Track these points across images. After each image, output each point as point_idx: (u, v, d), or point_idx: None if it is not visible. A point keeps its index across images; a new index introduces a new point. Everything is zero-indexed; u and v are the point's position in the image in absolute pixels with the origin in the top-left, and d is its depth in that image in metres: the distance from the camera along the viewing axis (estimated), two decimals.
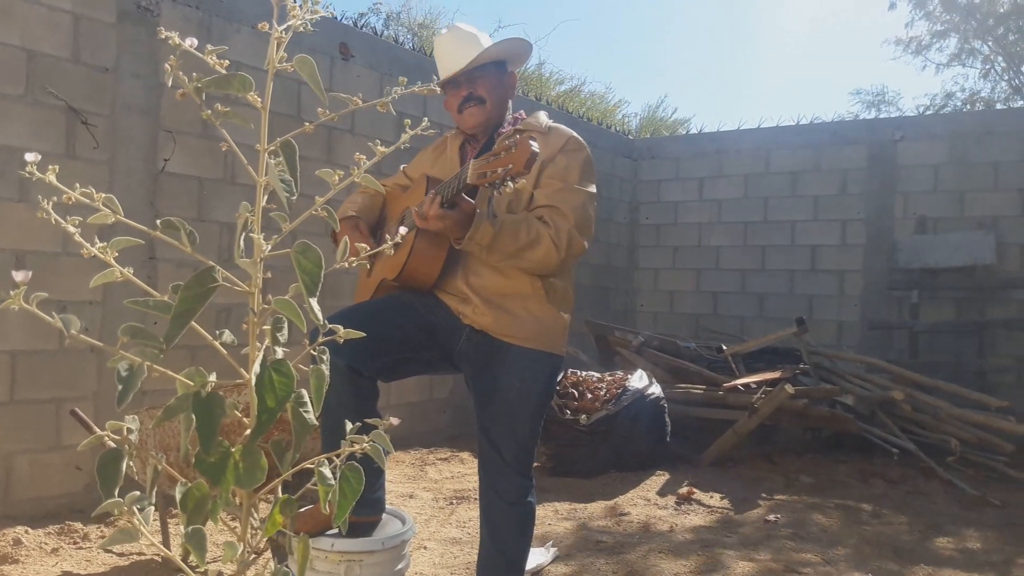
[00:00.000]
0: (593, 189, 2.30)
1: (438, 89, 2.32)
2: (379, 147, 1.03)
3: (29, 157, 0.95)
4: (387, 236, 1.07)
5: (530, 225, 2.13)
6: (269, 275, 0.99)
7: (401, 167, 2.63)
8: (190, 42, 0.93)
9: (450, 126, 2.57)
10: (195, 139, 4.14)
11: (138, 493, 0.96)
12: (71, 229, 0.96)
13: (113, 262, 0.97)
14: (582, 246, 2.21)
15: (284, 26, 0.94)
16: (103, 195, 0.98)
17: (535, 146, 1.85)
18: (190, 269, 3.99)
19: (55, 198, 0.97)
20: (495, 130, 2.40)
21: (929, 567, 3.33)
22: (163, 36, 0.94)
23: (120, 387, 0.91)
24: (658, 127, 9.25)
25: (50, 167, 0.98)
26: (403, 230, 1.09)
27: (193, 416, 0.91)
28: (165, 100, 4.00)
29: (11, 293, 0.90)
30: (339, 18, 5.17)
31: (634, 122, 9.20)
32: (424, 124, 1.08)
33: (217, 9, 4.22)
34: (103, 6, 3.76)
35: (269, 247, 0.98)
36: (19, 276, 0.89)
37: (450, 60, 2.33)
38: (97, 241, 0.98)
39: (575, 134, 2.34)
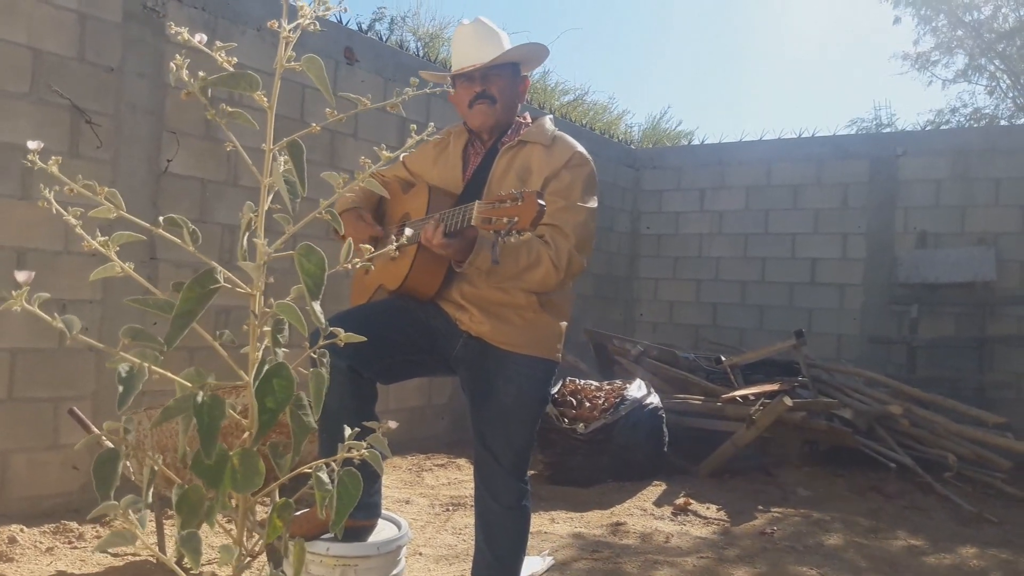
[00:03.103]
0: (595, 204, 2.30)
1: (451, 90, 2.32)
2: (384, 151, 1.02)
3: (31, 145, 0.94)
4: (392, 238, 1.07)
5: (530, 247, 2.14)
6: (272, 280, 0.99)
7: (400, 157, 2.61)
8: (199, 38, 0.93)
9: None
10: (199, 140, 4.15)
11: (133, 496, 0.95)
12: (72, 221, 0.95)
13: (114, 256, 0.97)
14: (581, 265, 2.23)
15: (293, 24, 0.94)
16: (106, 189, 0.97)
17: (542, 204, 1.87)
18: (191, 270, 3.98)
19: (57, 187, 0.97)
20: (502, 132, 2.40)
21: None
22: (172, 31, 0.94)
23: (121, 389, 0.90)
24: (661, 138, 9.25)
25: (53, 158, 0.97)
26: (409, 231, 1.09)
27: (194, 420, 0.90)
28: (169, 100, 4.00)
29: (13, 293, 0.90)
30: (344, 23, 5.17)
31: (637, 133, 9.21)
32: (429, 129, 1.08)
33: (223, 11, 4.23)
34: (109, 6, 3.77)
35: (272, 250, 0.97)
36: (22, 276, 0.88)
37: (468, 54, 2.32)
38: (99, 235, 0.98)
39: (580, 147, 2.33)
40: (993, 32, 13.69)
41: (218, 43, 0.93)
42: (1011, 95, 14.34)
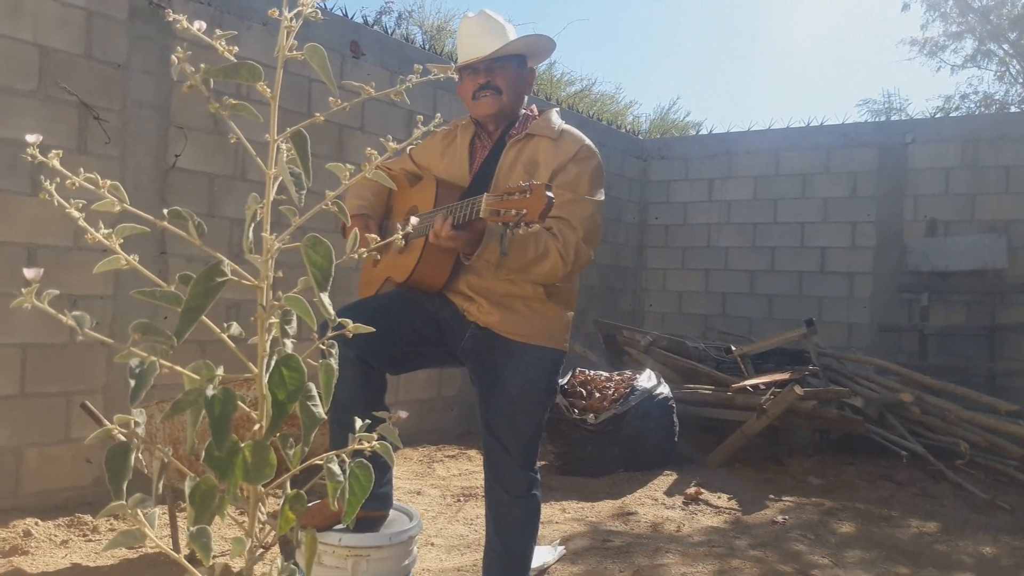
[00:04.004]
0: (602, 197, 2.31)
1: (455, 75, 2.32)
2: (390, 143, 1.02)
3: (30, 139, 0.93)
4: (398, 227, 1.06)
5: (538, 239, 2.14)
6: (280, 274, 0.99)
7: (407, 149, 2.61)
8: (198, 25, 0.92)
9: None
10: (206, 135, 4.15)
11: (142, 495, 0.95)
12: (75, 214, 0.94)
13: (119, 248, 0.96)
14: (589, 257, 2.23)
15: (294, 12, 0.94)
16: (108, 182, 0.96)
17: (551, 196, 1.87)
18: (201, 264, 3.98)
19: (58, 180, 0.96)
20: (508, 124, 2.39)
21: (938, 571, 3.31)
22: (171, 19, 0.93)
23: (133, 383, 0.90)
24: (669, 129, 9.23)
25: (53, 152, 0.96)
26: (414, 220, 1.08)
27: (204, 411, 0.91)
28: (176, 96, 4.01)
29: (23, 291, 0.89)
30: (350, 16, 5.17)
31: (645, 124, 9.19)
32: (437, 119, 1.08)
33: (228, 6, 4.23)
34: (115, 3, 3.78)
35: (279, 243, 0.97)
36: (31, 274, 0.88)
37: (474, 45, 2.33)
38: (103, 228, 0.97)
39: (587, 140, 2.33)
40: (1003, 17, 13.59)
41: (218, 31, 0.93)
42: (1020, 80, 14.24)
